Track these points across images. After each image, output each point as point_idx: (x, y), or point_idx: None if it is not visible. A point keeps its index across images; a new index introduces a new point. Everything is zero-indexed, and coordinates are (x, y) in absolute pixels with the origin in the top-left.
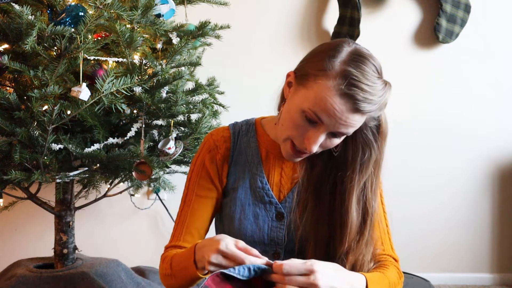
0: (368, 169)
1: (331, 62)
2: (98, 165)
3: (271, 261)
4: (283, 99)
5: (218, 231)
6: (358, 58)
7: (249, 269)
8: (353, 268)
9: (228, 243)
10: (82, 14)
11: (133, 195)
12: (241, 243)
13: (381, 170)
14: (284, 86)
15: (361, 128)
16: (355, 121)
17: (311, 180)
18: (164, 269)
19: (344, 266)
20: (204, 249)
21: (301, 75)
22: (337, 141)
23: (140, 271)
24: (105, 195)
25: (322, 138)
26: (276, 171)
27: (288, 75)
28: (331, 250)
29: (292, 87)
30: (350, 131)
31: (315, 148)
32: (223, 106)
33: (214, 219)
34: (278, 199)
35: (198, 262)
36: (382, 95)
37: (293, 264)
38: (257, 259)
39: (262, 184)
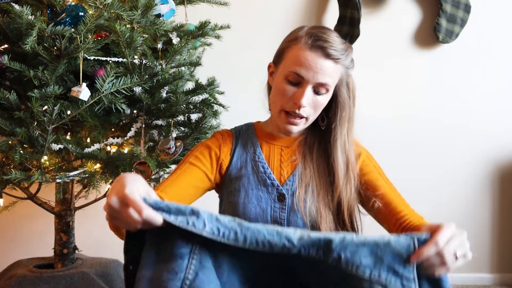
0: (345, 122)
1: (299, 31)
2: (98, 165)
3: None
4: (269, 88)
5: None
6: (320, 26)
7: (235, 232)
8: (348, 210)
9: (133, 191)
10: (82, 14)
11: None
12: (152, 198)
13: (354, 123)
14: (268, 78)
15: (336, 94)
16: (329, 68)
17: (310, 160)
18: None
19: (343, 211)
20: (113, 185)
21: (277, 56)
22: (321, 98)
23: None
24: (105, 195)
25: (308, 92)
26: (276, 157)
27: (269, 67)
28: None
29: (274, 72)
30: (328, 80)
31: (305, 102)
32: (223, 106)
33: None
34: (279, 182)
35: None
36: (344, 48)
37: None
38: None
39: (264, 169)
